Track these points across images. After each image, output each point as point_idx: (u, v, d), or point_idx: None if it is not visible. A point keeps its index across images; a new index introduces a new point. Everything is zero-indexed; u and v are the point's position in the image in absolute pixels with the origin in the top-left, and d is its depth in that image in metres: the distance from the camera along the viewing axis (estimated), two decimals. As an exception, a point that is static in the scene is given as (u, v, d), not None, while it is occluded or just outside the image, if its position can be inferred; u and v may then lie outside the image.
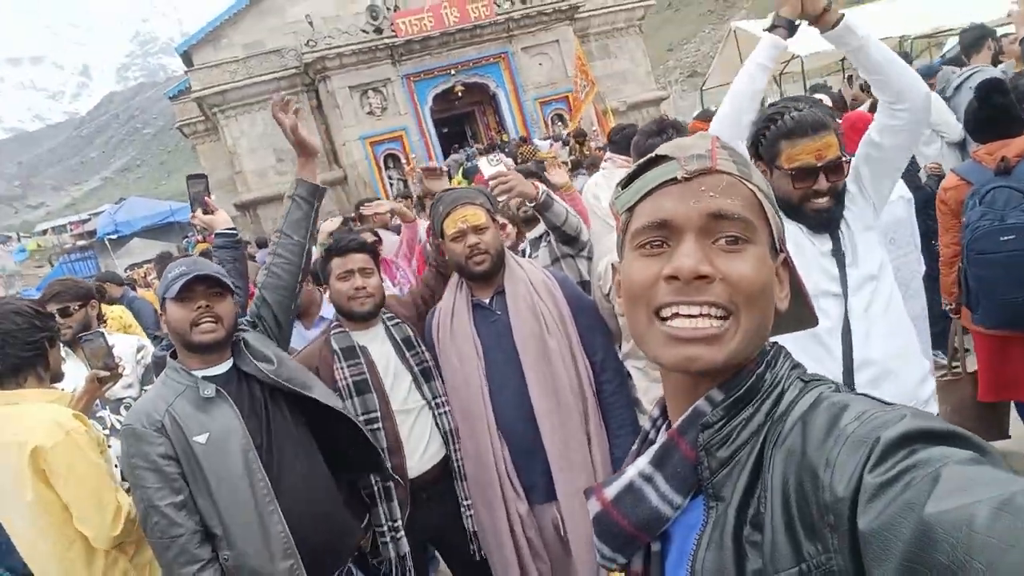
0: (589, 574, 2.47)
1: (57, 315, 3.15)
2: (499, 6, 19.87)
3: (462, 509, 2.64)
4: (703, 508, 0.81)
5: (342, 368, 2.60)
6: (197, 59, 19.72)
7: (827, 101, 7.72)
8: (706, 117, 6.45)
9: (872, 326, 2.03)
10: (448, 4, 19.53)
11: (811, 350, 1.97)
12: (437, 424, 2.65)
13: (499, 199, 2.94)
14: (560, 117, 20.25)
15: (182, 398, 2.12)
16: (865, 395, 0.77)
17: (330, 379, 2.58)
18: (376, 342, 2.70)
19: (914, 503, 0.57)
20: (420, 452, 2.63)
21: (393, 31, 19.11)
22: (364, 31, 19.00)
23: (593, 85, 14.22)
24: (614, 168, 4.20)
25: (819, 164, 2.00)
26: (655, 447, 0.87)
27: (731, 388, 0.82)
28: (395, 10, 19.69)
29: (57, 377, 2.43)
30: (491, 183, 2.85)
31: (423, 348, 2.69)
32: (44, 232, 53.37)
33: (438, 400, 2.65)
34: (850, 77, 11.50)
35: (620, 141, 4.39)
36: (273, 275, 2.49)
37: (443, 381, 2.62)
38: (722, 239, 0.81)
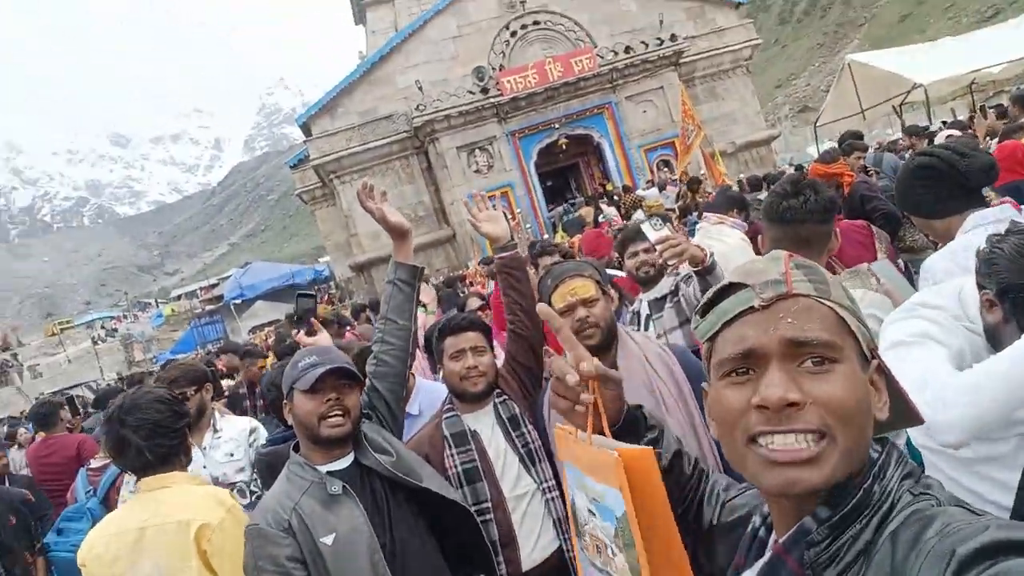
0: None
1: (176, 401, 3.21)
2: (602, 58, 19.96)
3: None
4: None
5: (452, 455, 2.51)
6: (315, 129, 20.79)
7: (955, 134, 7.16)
8: (829, 159, 6.10)
9: None
10: (552, 60, 19.80)
11: None
12: (549, 511, 2.48)
13: (669, 263, 2.83)
14: (666, 163, 19.94)
15: (308, 495, 2.05)
16: (961, 506, 0.76)
17: (440, 466, 2.50)
18: (486, 424, 2.60)
19: None
20: (533, 542, 2.48)
21: (499, 90, 19.52)
22: (471, 92, 19.51)
23: (700, 129, 13.98)
24: (709, 227, 4.22)
25: None
26: (762, 562, 0.87)
27: (837, 505, 0.80)
28: (500, 69, 20.16)
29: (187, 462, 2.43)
30: (659, 247, 2.72)
31: (529, 428, 2.56)
32: (178, 298, 57.63)
33: (547, 484, 2.49)
34: (982, 107, 10.69)
35: (719, 201, 4.53)
36: (383, 363, 2.44)
37: (553, 463, 2.44)
38: (808, 361, 0.81)
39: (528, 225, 18.58)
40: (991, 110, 10.52)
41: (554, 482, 2.49)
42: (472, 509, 2.39)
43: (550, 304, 2.39)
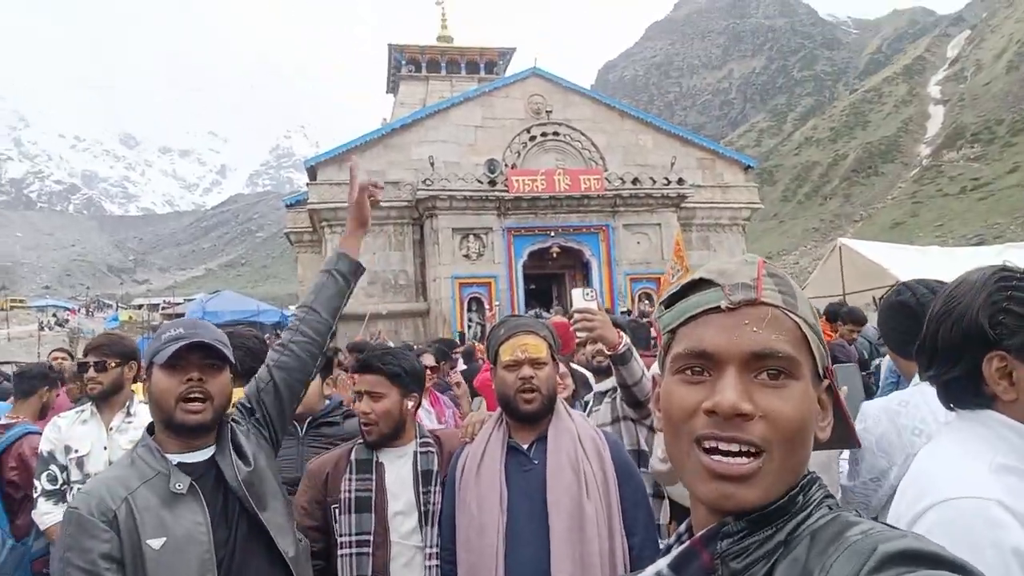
0: None
1: (92, 367, 3.05)
2: (610, 182, 20.59)
3: None
4: None
5: (351, 480, 2.39)
6: (320, 175, 21.01)
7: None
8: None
9: None
10: (563, 172, 20.39)
11: None
12: (424, 573, 2.33)
13: (578, 335, 2.80)
14: (648, 296, 20.25)
15: (147, 487, 1.74)
16: (884, 523, 0.78)
17: (337, 489, 2.39)
18: (398, 463, 2.46)
19: None
20: None
21: (506, 186, 19.97)
22: (479, 181, 19.93)
23: (687, 271, 14.22)
24: None
25: None
26: (678, 550, 0.86)
27: (760, 507, 0.80)
28: (512, 167, 20.69)
29: None
30: (576, 317, 2.68)
31: (437, 489, 2.41)
32: (140, 307, 56.26)
33: (432, 551, 2.34)
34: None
35: None
36: (291, 353, 2.10)
37: (454, 528, 2.29)
38: (764, 373, 0.81)
39: (501, 319, 18.57)
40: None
41: (437, 551, 2.33)
42: (353, 539, 2.27)
43: (497, 355, 2.33)
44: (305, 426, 3.10)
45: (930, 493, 1.15)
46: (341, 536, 2.35)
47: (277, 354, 2.12)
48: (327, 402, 3.27)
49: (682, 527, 0.95)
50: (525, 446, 2.28)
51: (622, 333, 2.77)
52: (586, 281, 21.59)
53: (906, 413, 2.05)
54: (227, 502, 1.84)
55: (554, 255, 20.94)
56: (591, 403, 3.41)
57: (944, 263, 14.79)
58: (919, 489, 1.20)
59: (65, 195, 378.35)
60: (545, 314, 18.09)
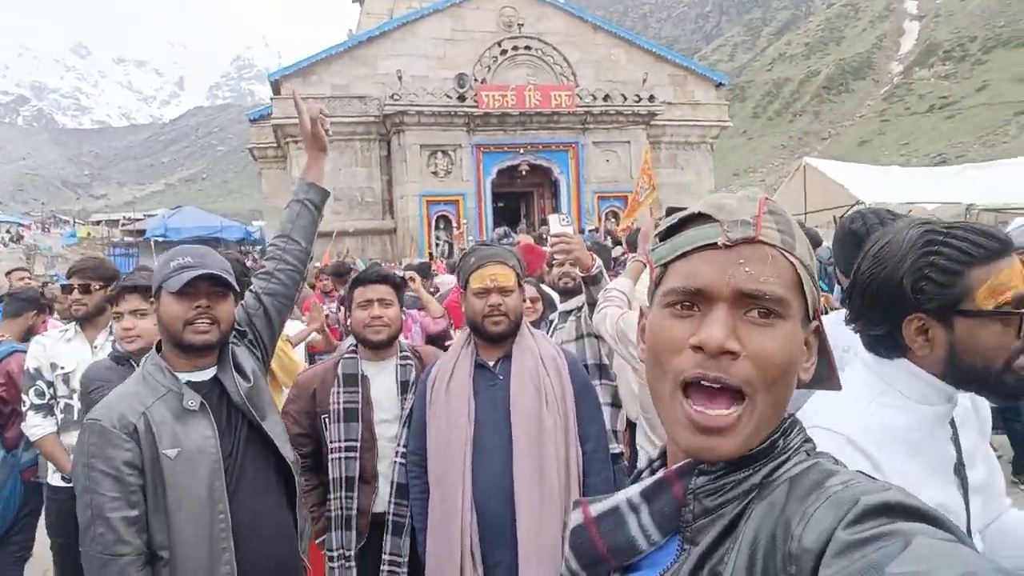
0: None
1: (77, 290, 3.15)
2: (581, 98, 20.40)
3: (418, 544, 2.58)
4: (677, 548, 0.82)
5: (339, 393, 2.67)
6: (285, 89, 20.44)
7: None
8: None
9: None
10: (533, 87, 20.12)
11: None
12: (394, 469, 2.65)
13: (555, 258, 2.97)
14: (615, 215, 20.40)
15: (161, 402, 1.93)
16: (862, 472, 0.77)
17: (326, 401, 2.66)
18: (382, 375, 2.75)
19: (878, 564, 0.59)
20: (389, 491, 2.64)
21: (475, 101, 19.69)
22: (448, 96, 19.60)
23: (654, 190, 14.37)
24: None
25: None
26: (651, 479, 0.86)
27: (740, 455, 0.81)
28: (482, 82, 20.34)
29: None
30: (553, 241, 2.85)
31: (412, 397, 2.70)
32: (98, 223, 54.78)
33: (401, 448, 2.65)
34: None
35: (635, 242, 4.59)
36: (277, 281, 2.30)
37: (423, 435, 2.53)
38: (755, 311, 0.80)
39: (471, 237, 18.66)
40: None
41: (404, 449, 2.62)
42: (343, 444, 2.54)
43: (467, 284, 2.50)
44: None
45: (807, 416, 1.31)
46: (332, 443, 2.65)
47: (264, 282, 2.30)
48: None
49: (655, 452, 0.97)
50: (491, 363, 2.49)
51: (594, 256, 2.95)
52: (554, 199, 21.66)
53: (840, 333, 2.23)
54: (231, 416, 2.04)
55: (523, 173, 20.90)
56: (556, 321, 3.61)
57: (903, 183, 15.16)
58: (805, 410, 1.38)
59: (13, 107, 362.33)
60: (512, 233, 18.24)
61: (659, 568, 0.83)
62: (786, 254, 0.82)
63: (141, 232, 37.15)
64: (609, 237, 15.98)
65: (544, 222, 19.64)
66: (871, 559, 0.59)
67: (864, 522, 0.64)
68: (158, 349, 2.08)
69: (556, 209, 21.41)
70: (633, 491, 0.86)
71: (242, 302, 2.29)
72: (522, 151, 20.54)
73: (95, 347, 3.33)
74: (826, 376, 0.93)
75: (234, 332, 2.20)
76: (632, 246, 4.34)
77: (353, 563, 2.62)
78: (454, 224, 19.92)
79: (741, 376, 0.78)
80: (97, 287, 3.24)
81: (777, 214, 0.85)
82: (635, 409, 3.28)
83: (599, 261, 2.96)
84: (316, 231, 2.41)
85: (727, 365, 0.78)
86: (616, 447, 3.44)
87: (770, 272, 0.80)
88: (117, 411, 1.90)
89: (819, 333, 0.89)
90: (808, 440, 0.85)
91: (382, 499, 2.64)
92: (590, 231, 18.23)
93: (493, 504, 2.32)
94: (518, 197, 23.47)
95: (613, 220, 19.95)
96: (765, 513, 0.74)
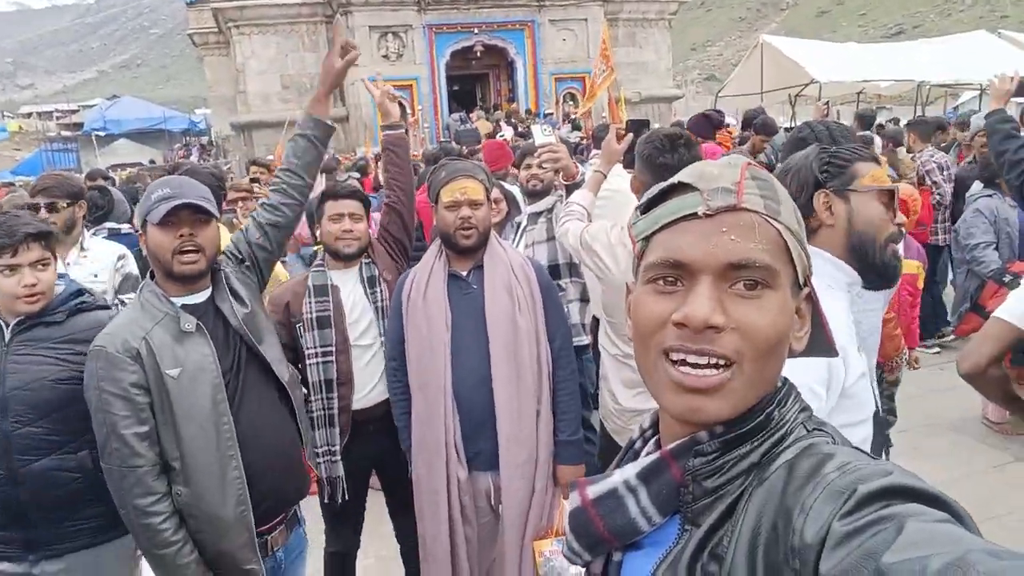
0: (515, 545, 2.58)
1: (44, 209, 3.14)
2: (535, -28, 19.59)
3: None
4: (678, 529, 0.82)
5: (311, 303, 2.83)
6: (221, -31, 19.26)
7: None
8: (717, 124, 6.53)
9: None
10: (485, -38, 19.21)
11: None
12: (382, 364, 2.88)
13: (543, 166, 3.11)
14: (572, 97, 20.10)
15: (160, 327, 2.06)
16: (858, 448, 0.77)
17: (299, 312, 2.83)
18: (350, 282, 2.93)
19: (875, 552, 0.58)
20: (369, 387, 2.89)
21: (425, -23, 18.78)
22: (396, -28, 18.64)
23: (612, 71, 14.10)
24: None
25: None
26: (647, 460, 0.84)
27: (735, 423, 0.79)
28: (431, -43, 19.33)
29: None
30: (540, 150, 2.94)
31: (383, 288, 2.91)
32: (29, 115, 51.76)
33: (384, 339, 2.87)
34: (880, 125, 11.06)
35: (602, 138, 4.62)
36: (281, 214, 2.42)
37: (402, 344, 2.70)
38: (740, 283, 0.77)
39: (426, 125, 18.28)
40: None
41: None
42: (319, 350, 2.76)
43: (438, 198, 2.59)
44: (10, 331, 2.21)
45: None
46: (308, 348, 2.82)
47: (269, 214, 2.43)
48: (59, 288, 2.34)
49: (646, 422, 0.96)
50: (464, 273, 2.63)
51: (577, 163, 3.07)
52: (511, 81, 21.17)
53: None
54: (228, 336, 2.18)
55: (478, 54, 20.26)
56: (525, 223, 3.71)
57: (859, 60, 15.18)
58: None
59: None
60: (468, 119, 17.91)
61: (660, 547, 0.82)
62: (771, 220, 0.79)
63: (79, 125, 35.49)
64: (568, 122, 15.86)
65: (497, 107, 19.32)
66: (866, 547, 0.59)
67: (860, 511, 0.63)
68: (152, 277, 2.17)
69: (512, 92, 21.00)
70: (629, 472, 0.84)
71: (244, 229, 2.43)
72: (476, 31, 19.81)
73: (67, 263, 3.34)
74: (821, 343, 0.91)
75: (231, 257, 2.33)
76: (598, 142, 4.42)
77: (339, 458, 2.84)
78: (408, 110, 19.41)
79: (729, 348, 0.76)
80: (64, 204, 3.23)
81: (760, 179, 0.82)
82: (599, 311, 3.49)
83: (583, 168, 3.08)
84: (320, 166, 2.59)
85: (712, 339, 0.76)
86: (584, 339, 3.66)
87: (754, 240, 0.77)
88: (120, 337, 2.03)
89: (811, 300, 0.87)
90: (805, 408, 0.84)
91: (361, 398, 2.88)
92: (546, 114, 18.01)
93: (473, 400, 2.54)
94: (474, 80, 22.86)
95: (571, 102, 19.69)
96: (764, 499, 0.73)
